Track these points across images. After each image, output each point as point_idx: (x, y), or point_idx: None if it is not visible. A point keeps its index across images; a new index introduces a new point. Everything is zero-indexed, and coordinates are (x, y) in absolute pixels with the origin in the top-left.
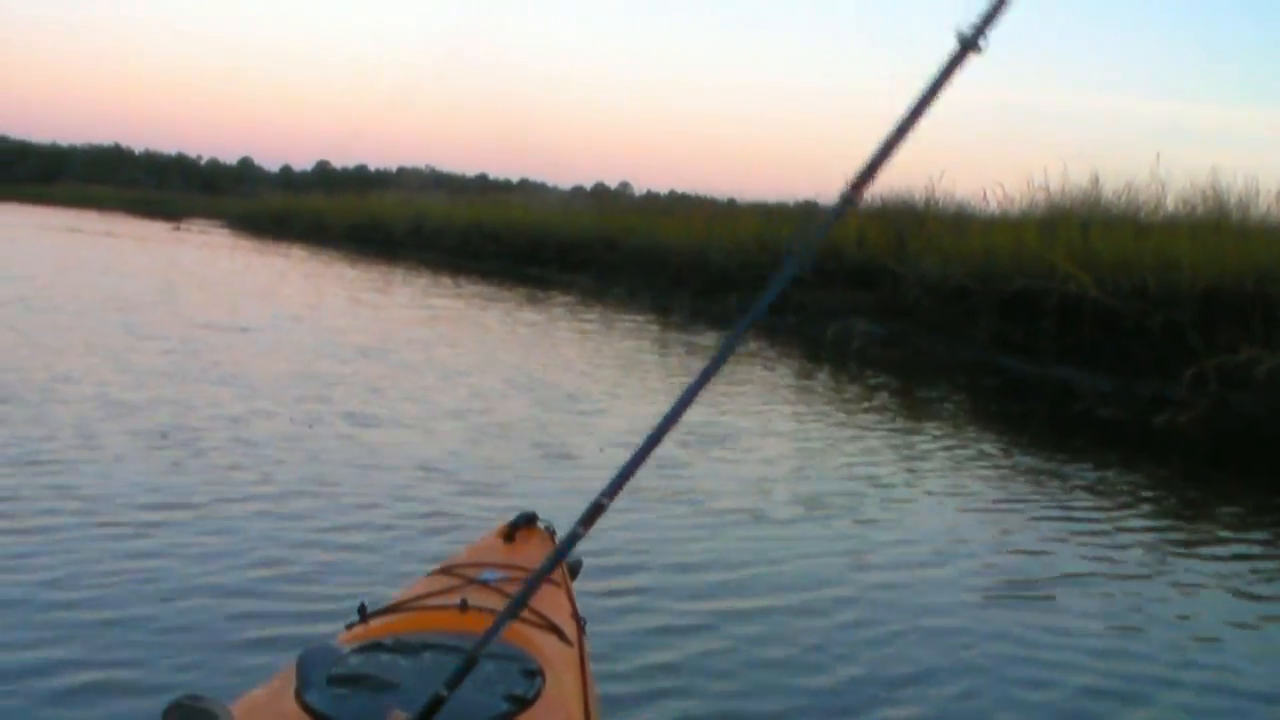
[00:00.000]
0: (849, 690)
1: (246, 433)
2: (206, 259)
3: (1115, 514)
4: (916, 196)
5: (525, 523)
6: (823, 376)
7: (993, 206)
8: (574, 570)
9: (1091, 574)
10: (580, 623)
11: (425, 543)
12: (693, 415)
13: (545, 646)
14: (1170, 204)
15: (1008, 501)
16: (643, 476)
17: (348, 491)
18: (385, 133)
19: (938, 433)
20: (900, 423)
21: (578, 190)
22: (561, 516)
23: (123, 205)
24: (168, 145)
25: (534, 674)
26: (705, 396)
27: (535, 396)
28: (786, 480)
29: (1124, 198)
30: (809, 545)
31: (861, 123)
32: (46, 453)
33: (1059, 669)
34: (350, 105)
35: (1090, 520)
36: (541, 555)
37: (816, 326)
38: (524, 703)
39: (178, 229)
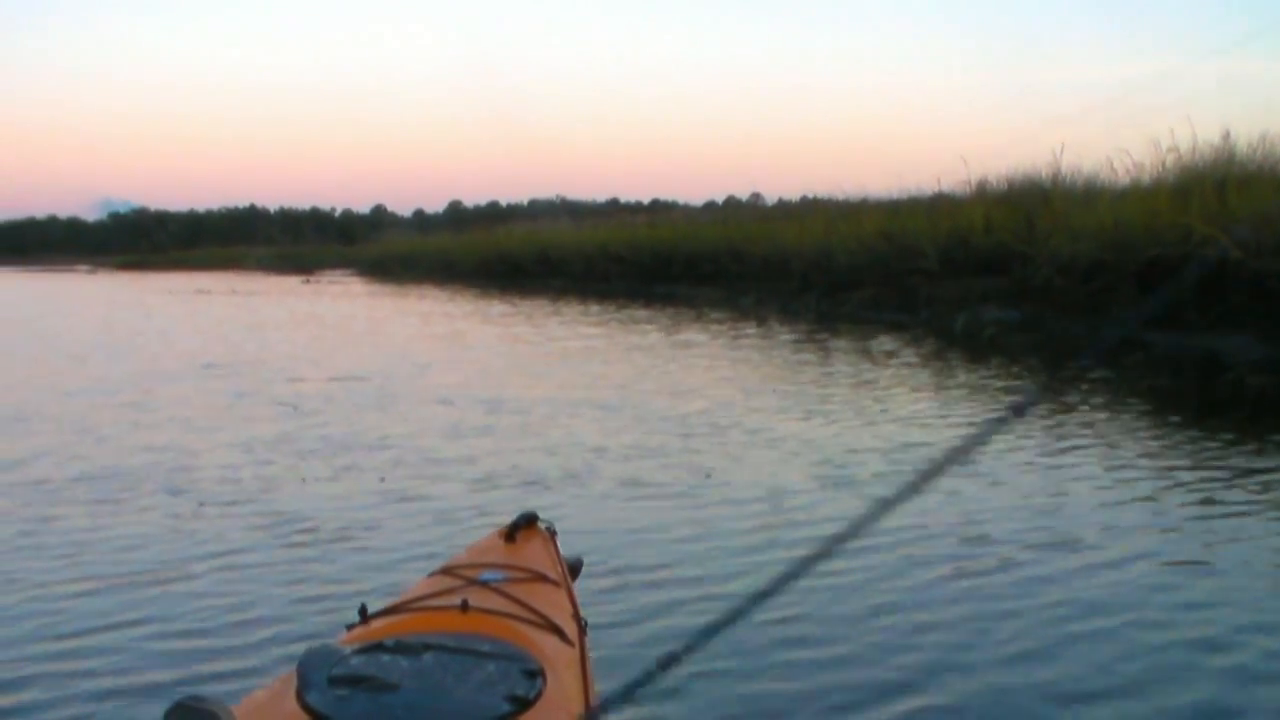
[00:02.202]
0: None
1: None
2: (342, 310)
3: None
4: (1042, 175)
5: (526, 523)
6: (958, 371)
7: (1122, 177)
8: (574, 570)
9: None
10: (581, 623)
11: None
12: (823, 433)
13: (546, 647)
14: None
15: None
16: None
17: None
18: (517, 166)
19: (1089, 420)
20: (1047, 415)
21: (709, 205)
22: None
23: (257, 263)
24: (302, 200)
25: (535, 674)
26: (844, 413)
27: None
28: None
29: (1260, 151)
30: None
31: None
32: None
33: None
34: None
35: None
36: (542, 555)
37: (947, 318)
38: (525, 703)
39: (308, 281)
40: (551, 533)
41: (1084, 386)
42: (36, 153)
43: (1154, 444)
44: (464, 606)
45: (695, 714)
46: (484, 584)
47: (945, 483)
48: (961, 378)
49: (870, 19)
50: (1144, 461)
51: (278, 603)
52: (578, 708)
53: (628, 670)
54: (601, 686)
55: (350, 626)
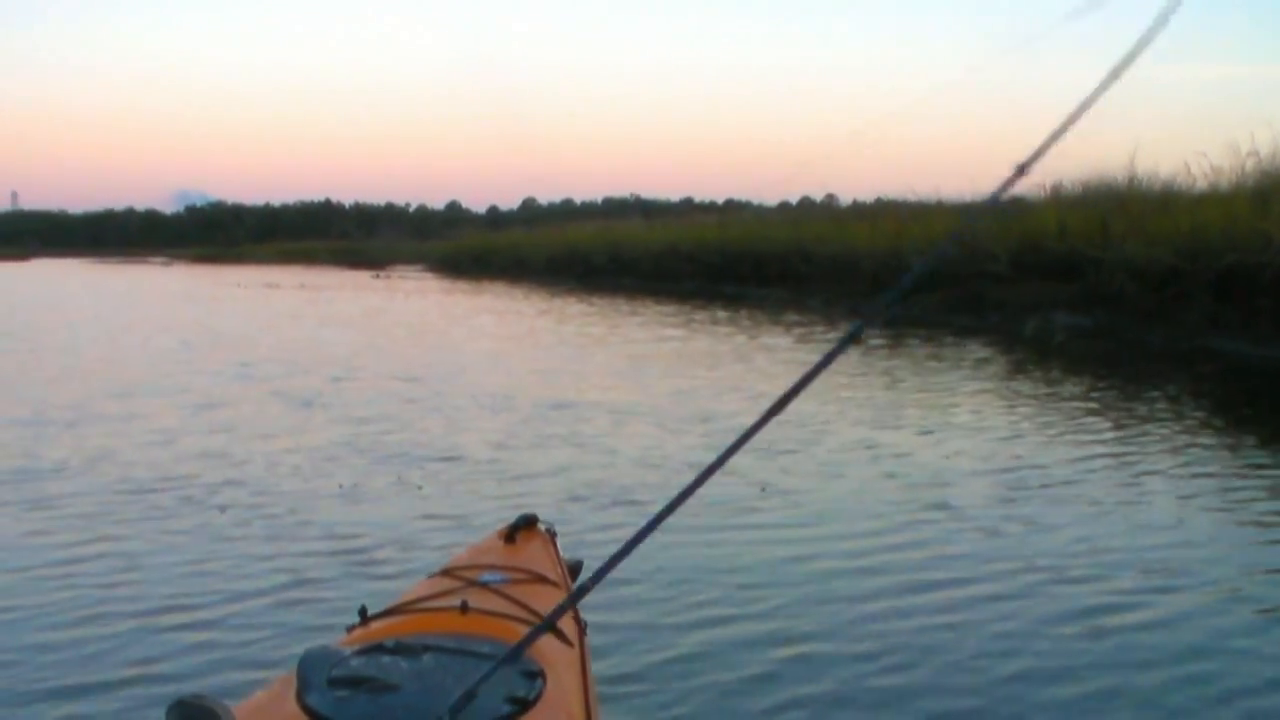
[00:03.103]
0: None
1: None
2: (413, 306)
3: None
4: (1118, 179)
5: (526, 524)
6: (1031, 381)
7: (1199, 182)
8: (575, 571)
9: None
10: (581, 625)
11: None
12: (890, 446)
13: (546, 648)
14: None
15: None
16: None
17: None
18: (592, 164)
19: (1160, 432)
20: (1116, 427)
21: (783, 206)
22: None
23: (330, 257)
24: (376, 196)
25: (535, 676)
26: (912, 424)
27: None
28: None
29: None
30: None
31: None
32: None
33: None
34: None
35: None
36: (542, 557)
37: (1016, 323)
38: (525, 704)
39: (378, 276)
40: (552, 534)
41: (1164, 401)
42: (116, 145)
43: (1246, 466)
44: (464, 608)
45: None
46: (484, 585)
47: (1043, 511)
48: (1035, 389)
49: (947, 17)
50: (1239, 486)
51: (289, 604)
52: (578, 709)
53: (629, 671)
54: (602, 687)
55: (350, 628)
